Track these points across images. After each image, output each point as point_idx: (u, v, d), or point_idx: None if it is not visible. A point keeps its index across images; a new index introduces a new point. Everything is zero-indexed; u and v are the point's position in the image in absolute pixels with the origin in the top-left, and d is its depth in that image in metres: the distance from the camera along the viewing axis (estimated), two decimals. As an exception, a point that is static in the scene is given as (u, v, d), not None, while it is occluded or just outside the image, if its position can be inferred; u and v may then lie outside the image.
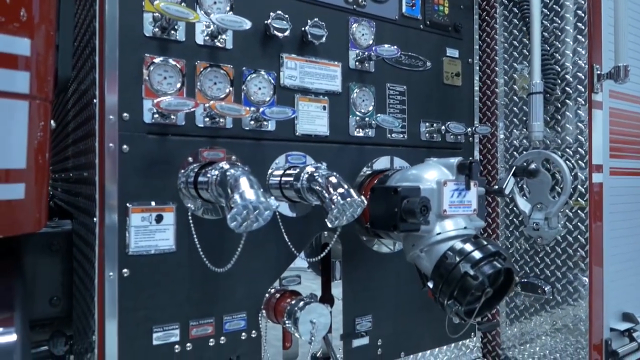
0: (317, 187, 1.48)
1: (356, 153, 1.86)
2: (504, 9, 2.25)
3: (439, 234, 1.59)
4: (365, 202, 1.47)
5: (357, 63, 1.85)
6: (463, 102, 2.20)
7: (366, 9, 1.88)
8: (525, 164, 1.91)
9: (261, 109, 1.53)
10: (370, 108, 1.88)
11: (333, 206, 1.41)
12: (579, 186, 1.95)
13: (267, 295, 1.65)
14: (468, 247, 1.52)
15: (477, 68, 2.26)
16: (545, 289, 2.04)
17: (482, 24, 2.31)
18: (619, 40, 1.86)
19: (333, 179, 1.48)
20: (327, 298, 1.78)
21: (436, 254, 1.57)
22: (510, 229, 2.20)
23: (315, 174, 1.51)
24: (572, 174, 1.96)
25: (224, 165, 1.41)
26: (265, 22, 1.61)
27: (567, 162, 1.98)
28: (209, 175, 1.41)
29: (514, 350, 2.22)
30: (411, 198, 1.53)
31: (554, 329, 2.05)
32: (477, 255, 1.49)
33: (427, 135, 2.05)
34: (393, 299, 1.95)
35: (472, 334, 2.23)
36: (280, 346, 1.69)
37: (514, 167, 1.83)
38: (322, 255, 1.68)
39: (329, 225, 1.43)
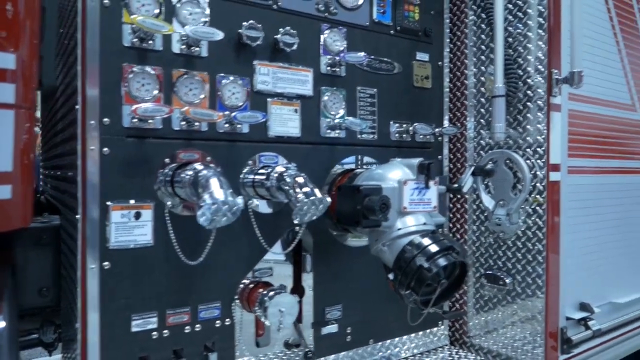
0: (285, 187, 1.60)
1: (327, 153, 1.97)
2: (474, 15, 2.36)
3: (400, 229, 1.71)
4: (330, 200, 1.60)
5: (328, 68, 1.96)
6: (433, 104, 2.32)
7: (337, 17, 1.98)
8: (484, 163, 2.03)
9: (233, 114, 1.64)
10: (341, 110, 1.99)
11: (298, 204, 1.53)
12: (537, 184, 2.07)
13: (241, 286, 1.78)
14: (425, 241, 1.65)
15: (447, 70, 2.37)
16: (507, 280, 2.17)
17: (453, 28, 2.42)
18: (575, 47, 1.97)
19: (300, 179, 1.60)
20: (298, 289, 1.91)
21: (397, 248, 1.69)
22: (477, 224, 2.33)
23: (284, 174, 1.63)
24: (532, 172, 2.09)
25: (198, 166, 1.53)
26: (239, 31, 1.72)
27: (528, 161, 2.10)
28: (183, 175, 1.53)
29: (480, 339, 2.35)
30: (372, 196, 1.65)
31: (515, 318, 2.19)
32: (432, 249, 1.62)
33: (397, 135, 2.17)
34: (363, 289, 2.08)
35: (440, 322, 2.36)
36: (254, 333, 1.82)
37: (473, 167, 1.95)
38: (289, 248, 1.80)
39: (295, 221, 1.55)
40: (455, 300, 2.43)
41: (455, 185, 1.93)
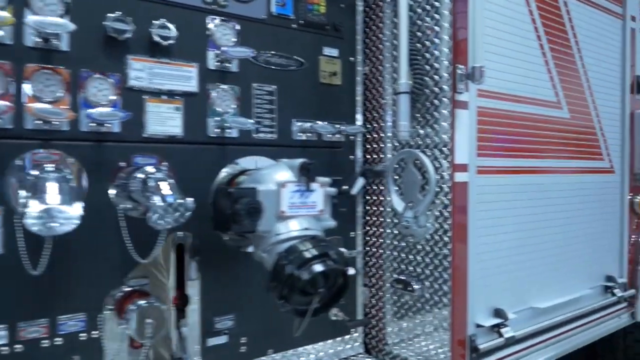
0: (148, 191, 1.49)
1: (217, 153, 1.86)
2: (389, 8, 2.25)
3: (278, 234, 1.61)
4: (193, 205, 1.50)
5: (217, 63, 1.85)
6: (344, 101, 2.21)
7: (228, 9, 1.87)
8: (376, 164, 1.93)
9: (88, 111, 1.53)
10: (232, 109, 1.88)
11: (155, 210, 1.43)
12: (443, 185, 1.97)
13: (117, 295, 1.66)
14: (299, 247, 1.55)
15: (361, 67, 2.27)
16: (415, 286, 2.07)
17: (369, 22, 2.31)
18: (475, 41, 1.87)
19: (162, 184, 1.50)
20: (181, 298, 1.80)
21: (274, 255, 1.59)
22: (392, 228, 2.23)
23: (149, 177, 1.53)
24: (438, 173, 1.99)
25: (47, 167, 1.43)
26: (104, 23, 1.61)
27: (436, 161, 2.00)
28: (29, 178, 1.42)
29: (396, 347, 2.25)
30: (243, 200, 1.55)
31: (426, 326, 2.09)
32: (305, 256, 1.52)
33: (300, 134, 2.06)
34: (261, 296, 1.95)
35: (353, 330, 2.26)
36: (128, 346, 1.70)
37: (363, 169, 1.85)
38: (149, 258, 1.66)
39: (155, 227, 1.45)
40: (372, 307, 2.33)
41: (345, 187, 1.82)
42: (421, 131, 2.06)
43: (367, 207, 2.34)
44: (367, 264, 2.36)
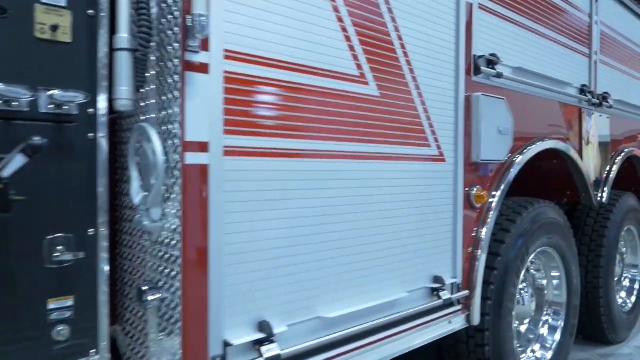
0: None
1: None
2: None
3: None
4: None
5: None
6: (76, 64, 1.75)
7: None
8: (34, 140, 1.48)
9: None
10: None
11: None
12: (174, 170, 1.56)
13: None
14: None
15: (104, 23, 1.82)
16: (149, 298, 1.65)
17: (123, -31, 1.87)
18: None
19: None
20: None
21: None
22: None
23: None
24: (170, 153, 1.58)
25: None
26: None
27: (170, 139, 1.59)
28: None
29: (153, 368, 1.82)
30: None
31: (166, 345, 1.67)
32: None
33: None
34: None
35: (93, 351, 1.81)
36: None
37: (24, 144, 1.41)
38: None
39: None
40: (130, 322, 1.90)
41: (-4, 167, 1.37)
42: (154, 101, 1.64)
43: (122, 199, 1.90)
44: (122, 269, 1.92)
